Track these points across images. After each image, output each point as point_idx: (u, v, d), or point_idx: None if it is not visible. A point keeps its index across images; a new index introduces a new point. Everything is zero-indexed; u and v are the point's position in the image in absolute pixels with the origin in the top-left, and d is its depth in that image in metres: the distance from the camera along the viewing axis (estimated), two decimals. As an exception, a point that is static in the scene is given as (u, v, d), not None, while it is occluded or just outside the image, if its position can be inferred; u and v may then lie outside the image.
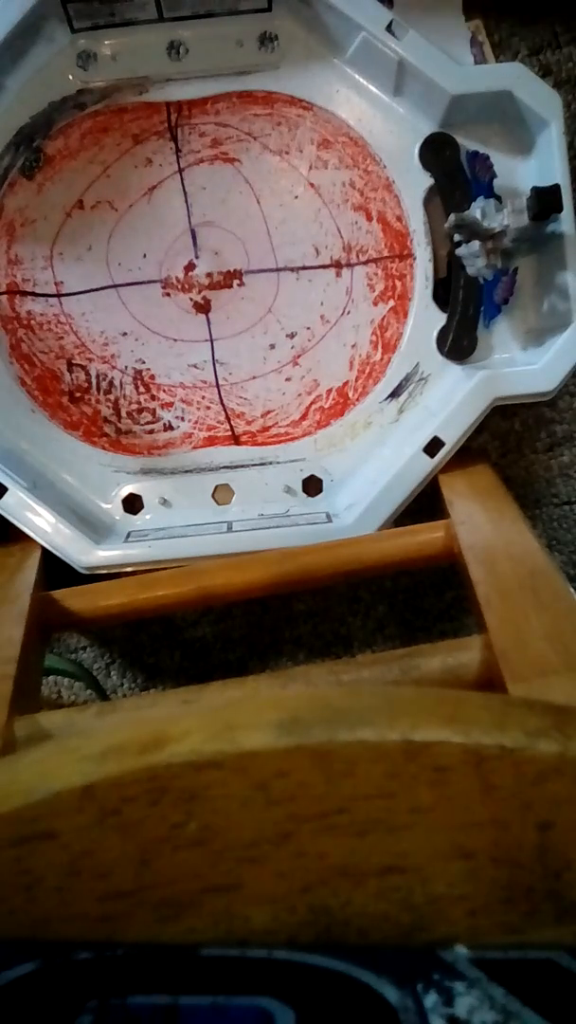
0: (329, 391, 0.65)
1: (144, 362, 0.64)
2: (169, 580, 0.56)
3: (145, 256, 0.62)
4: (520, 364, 0.63)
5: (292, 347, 0.64)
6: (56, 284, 0.62)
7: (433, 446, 0.61)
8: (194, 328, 0.64)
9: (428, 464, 0.61)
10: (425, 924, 0.24)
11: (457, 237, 0.62)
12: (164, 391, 0.65)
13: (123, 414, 0.65)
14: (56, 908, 0.24)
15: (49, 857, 0.24)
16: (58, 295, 0.63)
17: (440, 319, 0.64)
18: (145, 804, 0.23)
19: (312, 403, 0.65)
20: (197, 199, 0.62)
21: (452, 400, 0.61)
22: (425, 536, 0.56)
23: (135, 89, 0.60)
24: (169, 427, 0.65)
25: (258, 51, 0.59)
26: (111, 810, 0.23)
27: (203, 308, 0.63)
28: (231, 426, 0.65)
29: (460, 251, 0.63)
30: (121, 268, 0.62)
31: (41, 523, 0.60)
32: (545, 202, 0.59)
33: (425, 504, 0.62)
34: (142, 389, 0.65)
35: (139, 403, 0.65)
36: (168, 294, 0.63)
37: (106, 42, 0.59)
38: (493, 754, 0.23)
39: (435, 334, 0.64)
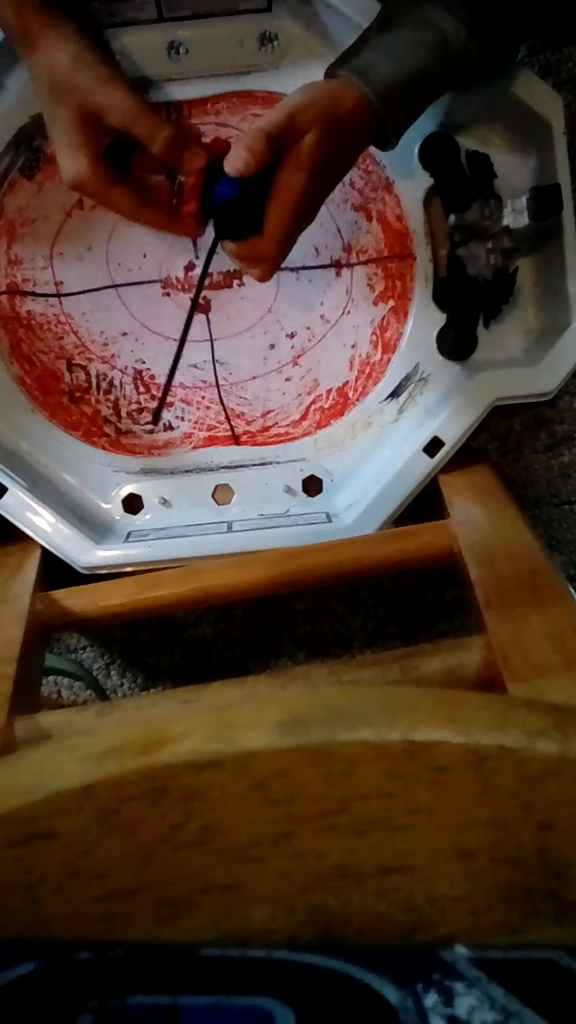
0: (329, 391, 0.65)
1: (144, 362, 0.64)
2: (169, 580, 0.56)
3: (145, 256, 0.62)
4: (520, 364, 0.63)
5: (292, 347, 0.64)
6: (56, 284, 0.62)
7: (433, 446, 0.61)
8: (194, 328, 0.64)
9: (428, 464, 0.61)
10: (425, 924, 0.24)
11: (457, 237, 0.62)
12: (164, 391, 0.65)
13: (123, 414, 0.65)
14: (56, 908, 0.24)
15: (49, 857, 0.24)
16: (58, 295, 0.63)
17: (440, 319, 0.64)
18: (145, 804, 0.23)
19: (312, 403, 0.65)
20: (197, 199, 0.62)
21: (452, 400, 0.61)
22: (425, 536, 0.56)
23: (135, 89, 0.60)
24: (169, 427, 0.65)
25: (258, 51, 0.59)
26: (111, 810, 0.23)
27: (203, 308, 0.63)
28: (231, 426, 0.65)
29: (460, 251, 0.63)
30: (121, 268, 0.62)
31: (41, 523, 0.60)
32: (545, 202, 0.59)
33: (425, 504, 0.62)
34: (142, 389, 0.64)
35: (139, 403, 0.65)
36: (168, 294, 0.63)
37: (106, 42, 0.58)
38: (493, 754, 0.23)
39: (435, 334, 0.64)
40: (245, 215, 0.48)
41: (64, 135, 0.49)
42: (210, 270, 0.62)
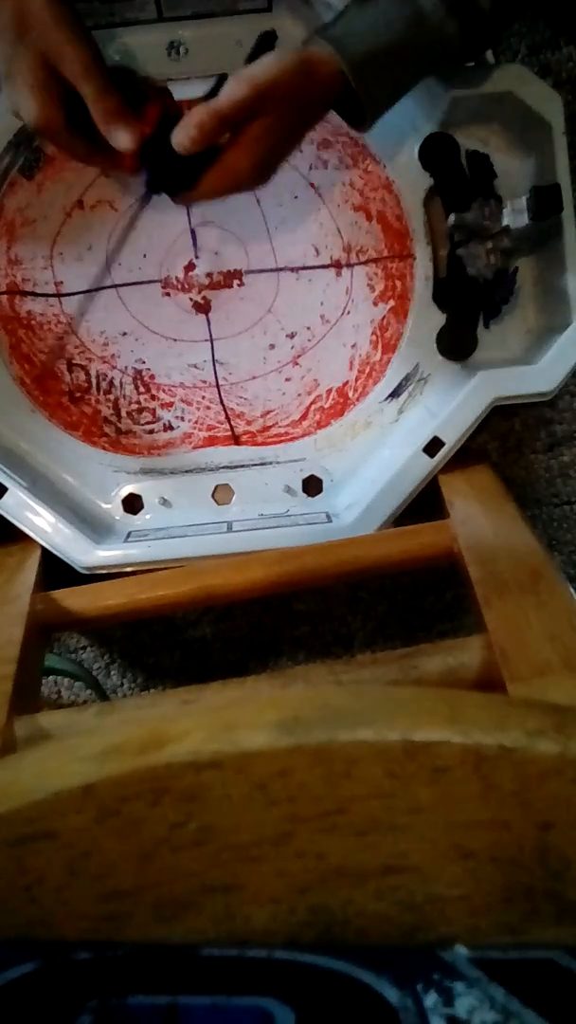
0: (329, 391, 0.65)
1: (144, 362, 0.64)
2: (169, 580, 0.56)
3: (145, 256, 0.62)
4: (520, 364, 0.63)
5: (292, 347, 0.64)
6: (56, 284, 0.62)
7: (433, 446, 0.61)
8: (194, 328, 0.64)
9: (428, 464, 0.61)
10: (425, 924, 0.24)
11: (457, 237, 0.62)
12: (164, 391, 0.65)
13: (123, 414, 0.65)
14: (56, 908, 0.24)
15: (49, 857, 0.24)
16: (58, 295, 0.63)
17: (440, 319, 0.64)
18: (145, 804, 0.23)
19: (312, 403, 0.65)
20: (197, 199, 0.62)
21: (452, 400, 0.61)
22: (425, 536, 0.56)
23: (135, 89, 0.60)
24: (169, 427, 0.65)
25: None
26: (111, 810, 0.23)
27: (203, 308, 0.63)
28: (231, 426, 0.65)
29: (460, 251, 0.63)
30: (121, 268, 0.62)
31: (41, 523, 0.60)
32: (545, 202, 0.59)
33: (425, 504, 0.62)
34: (142, 389, 0.65)
35: (139, 403, 0.65)
36: (168, 294, 0.63)
37: (106, 42, 0.58)
38: (493, 754, 0.23)
39: (435, 334, 0.64)
40: (181, 177, 0.49)
41: (27, 74, 0.48)
42: (211, 270, 0.63)
